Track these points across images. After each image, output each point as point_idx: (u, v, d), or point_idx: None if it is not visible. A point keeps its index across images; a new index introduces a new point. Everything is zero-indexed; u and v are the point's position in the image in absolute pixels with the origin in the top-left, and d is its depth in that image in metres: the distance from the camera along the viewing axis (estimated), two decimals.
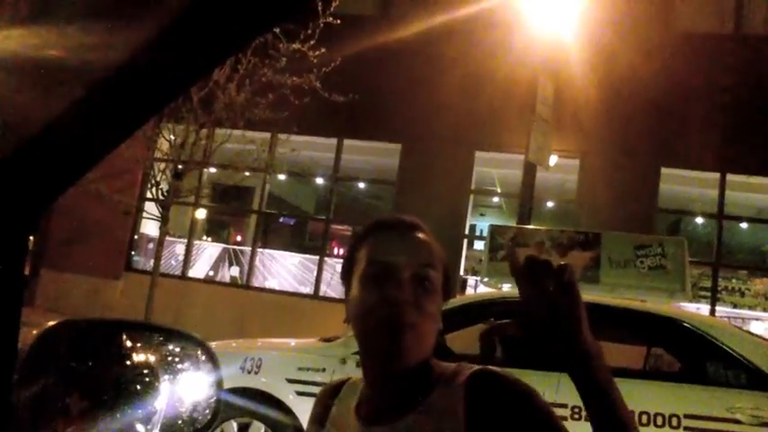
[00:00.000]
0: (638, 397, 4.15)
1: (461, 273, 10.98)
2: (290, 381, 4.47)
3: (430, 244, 1.21)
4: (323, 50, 9.23)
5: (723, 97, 9.85)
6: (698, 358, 4.44)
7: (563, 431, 1.09)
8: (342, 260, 1.26)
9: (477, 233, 12.66)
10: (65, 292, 11.04)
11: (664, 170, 10.49)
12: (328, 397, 1.31)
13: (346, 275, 1.23)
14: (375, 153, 11.94)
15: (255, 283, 11.99)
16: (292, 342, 5.17)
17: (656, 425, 4.00)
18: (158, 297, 8.95)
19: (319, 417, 1.31)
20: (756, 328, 9.65)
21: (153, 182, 9.45)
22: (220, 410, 1.04)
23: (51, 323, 0.96)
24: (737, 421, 3.95)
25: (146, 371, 1.07)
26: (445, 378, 1.16)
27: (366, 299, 1.14)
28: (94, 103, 0.73)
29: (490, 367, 1.15)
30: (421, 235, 1.21)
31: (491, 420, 1.08)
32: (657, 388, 4.32)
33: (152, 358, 1.08)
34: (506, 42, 10.19)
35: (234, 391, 4.37)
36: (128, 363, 1.07)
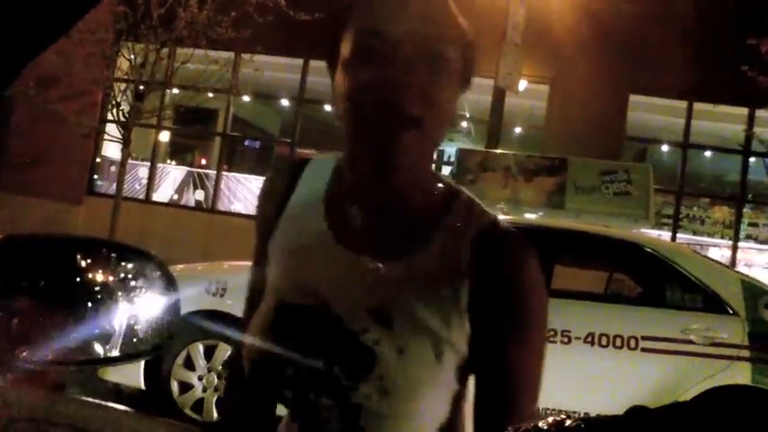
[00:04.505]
0: (598, 320, 4.26)
1: None
2: None
3: (448, 11, 0.92)
4: None
5: (693, 26, 9.79)
6: (658, 282, 4.55)
7: (542, 316, 0.94)
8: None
9: (446, 158, 12.66)
10: (23, 216, 10.81)
11: (632, 97, 10.50)
12: (286, 181, 1.07)
13: (332, 56, 0.96)
14: None
15: (221, 206, 11.89)
16: None
17: (614, 346, 4.12)
18: (122, 221, 8.83)
19: (271, 214, 1.07)
20: (715, 254, 9.93)
21: (113, 103, 9.18)
22: (177, 329, 1.01)
23: None
24: (690, 341, 4.10)
25: (99, 289, 1.02)
26: (453, 220, 0.96)
27: (355, 80, 0.89)
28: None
29: (504, 223, 0.97)
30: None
31: (490, 286, 0.92)
32: (618, 311, 4.43)
33: (107, 277, 1.04)
34: None
35: (199, 313, 4.36)
36: (80, 281, 1.02)
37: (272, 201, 1.08)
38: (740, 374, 4.04)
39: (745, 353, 4.05)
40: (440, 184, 1.00)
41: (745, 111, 10.21)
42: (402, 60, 0.87)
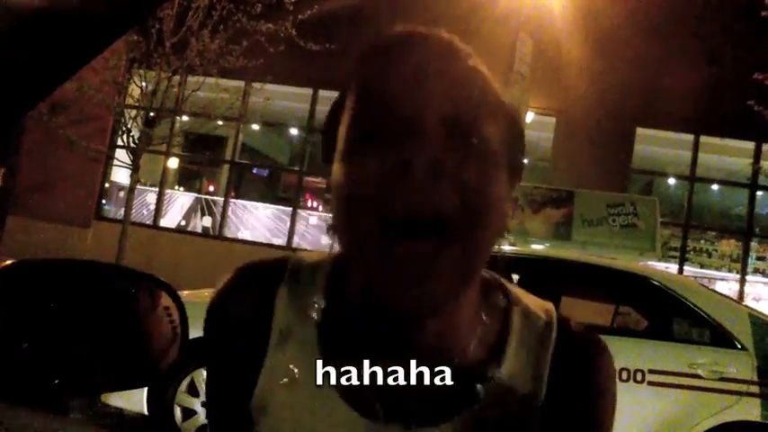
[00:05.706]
0: None
1: None
2: None
3: (481, 76, 0.64)
4: None
5: (700, 59, 9.86)
6: (665, 316, 4.52)
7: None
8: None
9: None
10: (32, 239, 10.86)
11: (639, 130, 10.54)
12: (258, 304, 0.73)
13: (329, 144, 0.68)
14: None
15: (228, 233, 11.91)
16: None
17: (621, 379, 4.08)
18: (129, 246, 8.85)
19: (242, 358, 0.73)
20: (722, 288, 9.87)
21: (124, 129, 9.27)
22: (184, 355, 1.01)
23: (5, 263, 0.91)
24: (698, 376, 4.06)
25: (108, 314, 1.03)
26: (517, 345, 0.70)
27: (356, 170, 0.61)
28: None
29: (577, 325, 0.74)
30: (464, 59, 0.63)
31: (572, 413, 0.69)
32: (624, 344, 4.40)
33: (116, 302, 1.04)
34: None
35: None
36: (90, 306, 1.03)
37: (238, 336, 0.75)
38: (750, 410, 3.99)
39: (755, 389, 4.00)
40: (489, 295, 0.72)
41: (751, 145, 10.23)
42: (423, 137, 0.59)
